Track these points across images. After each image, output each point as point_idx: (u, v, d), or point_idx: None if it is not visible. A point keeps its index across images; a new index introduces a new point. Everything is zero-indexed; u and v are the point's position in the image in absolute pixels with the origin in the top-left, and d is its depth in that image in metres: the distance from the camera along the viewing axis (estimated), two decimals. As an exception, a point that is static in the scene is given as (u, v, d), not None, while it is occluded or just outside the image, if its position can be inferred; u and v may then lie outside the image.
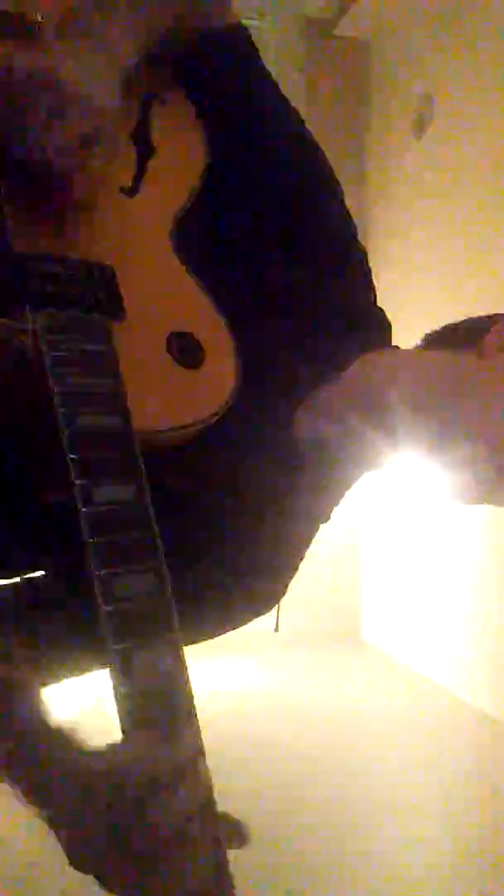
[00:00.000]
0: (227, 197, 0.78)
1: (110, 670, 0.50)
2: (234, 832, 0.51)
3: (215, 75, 0.80)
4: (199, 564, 0.61)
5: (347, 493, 0.83)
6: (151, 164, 0.75)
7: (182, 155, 0.78)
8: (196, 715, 0.51)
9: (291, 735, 2.64)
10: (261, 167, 0.79)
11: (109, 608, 0.51)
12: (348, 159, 3.59)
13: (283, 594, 0.81)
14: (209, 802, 0.50)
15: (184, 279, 0.73)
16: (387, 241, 3.50)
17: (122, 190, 0.74)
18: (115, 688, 0.49)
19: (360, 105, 3.64)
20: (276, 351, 0.76)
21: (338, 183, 0.84)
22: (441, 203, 3.15)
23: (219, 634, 0.77)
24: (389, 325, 0.85)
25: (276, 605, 0.81)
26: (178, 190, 0.76)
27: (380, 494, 3.34)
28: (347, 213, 0.85)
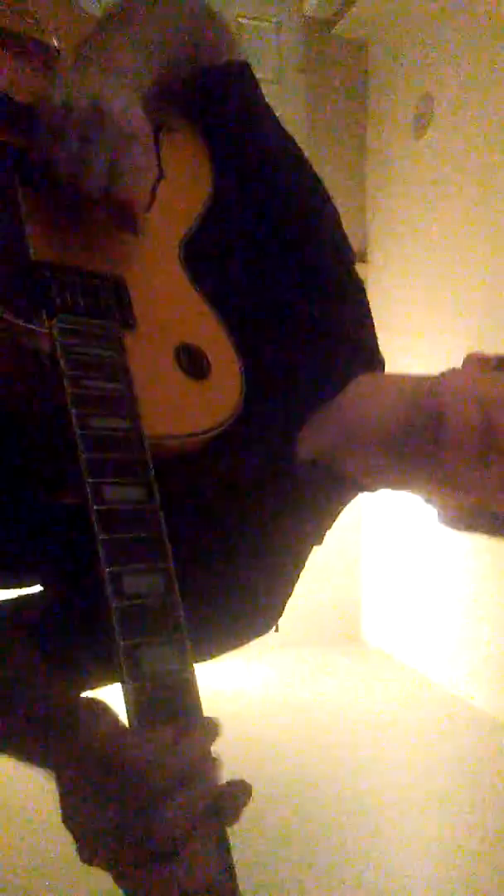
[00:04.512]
0: (230, 223, 0.80)
1: (118, 667, 0.50)
2: (239, 790, 0.51)
3: (218, 109, 0.83)
4: (198, 577, 0.61)
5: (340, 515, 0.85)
6: (161, 187, 0.77)
7: (189, 180, 0.82)
8: (203, 712, 0.51)
9: (291, 735, 2.64)
10: (262, 196, 0.82)
11: (118, 604, 0.52)
12: (348, 159, 3.59)
13: (280, 615, 0.82)
14: (217, 795, 0.50)
15: (192, 295, 0.75)
16: (386, 241, 3.50)
17: None
18: (123, 684, 0.50)
19: (360, 105, 3.63)
20: (277, 372, 0.78)
21: (336, 212, 0.87)
22: (441, 203, 3.15)
23: (220, 654, 0.77)
24: (384, 363, 0.88)
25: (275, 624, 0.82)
26: (187, 213, 0.80)
27: (380, 495, 3.34)
28: (346, 241, 0.87)
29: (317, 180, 0.87)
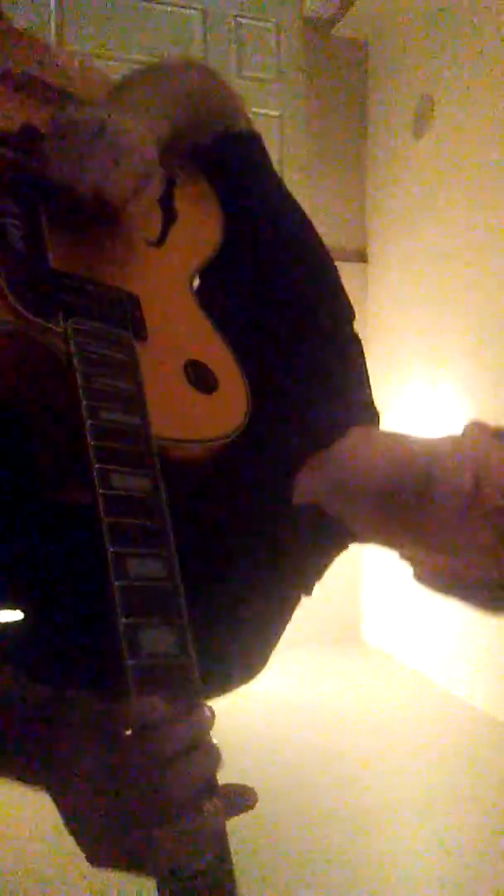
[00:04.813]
0: (236, 274, 0.86)
1: (120, 646, 0.50)
2: (242, 795, 0.51)
3: (229, 172, 0.92)
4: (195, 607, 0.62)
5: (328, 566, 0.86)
6: (174, 228, 0.84)
7: (201, 226, 0.88)
8: (203, 695, 0.52)
9: (291, 735, 2.64)
10: (266, 254, 0.88)
11: (120, 583, 0.53)
12: (348, 159, 3.59)
13: (263, 665, 0.82)
14: (215, 786, 0.50)
15: (201, 320, 0.79)
16: (386, 241, 3.50)
17: (149, 243, 0.83)
18: (123, 662, 0.50)
19: (360, 105, 3.63)
20: (275, 415, 0.79)
21: (336, 271, 0.92)
22: (441, 203, 3.15)
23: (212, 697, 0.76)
24: (378, 416, 0.90)
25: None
26: (197, 252, 0.85)
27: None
28: (346, 299, 0.92)
29: (319, 241, 0.92)
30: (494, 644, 2.82)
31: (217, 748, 0.50)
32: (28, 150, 0.77)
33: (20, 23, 3.19)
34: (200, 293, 0.82)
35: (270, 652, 0.83)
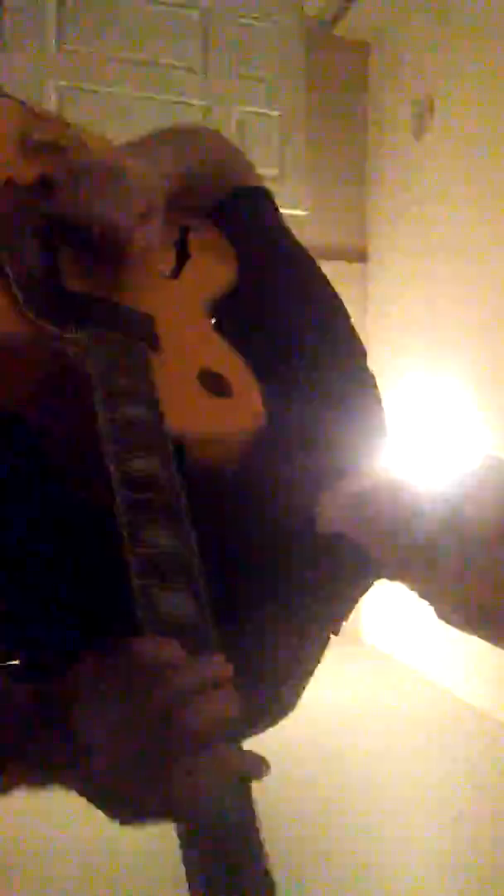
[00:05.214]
0: (248, 314, 0.90)
1: (136, 608, 0.51)
2: (255, 763, 0.51)
3: (242, 223, 0.97)
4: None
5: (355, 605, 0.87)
6: (188, 266, 0.89)
7: (214, 264, 0.92)
8: (220, 654, 0.52)
9: (291, 735, 2.63)
10: (276, 302, 0.92)
11: (135, 551, 0.54)
12: (348, 159, 3.59)
13: (294, 703, 0.83)
14: (238, 730, 0.51)
15: (216, 338, 0.82)
16: (386, 241, 3.50)
17: (162, 275, 0.87)
18: (140, 621, 0.51)
19: (360, 105, 3.63)
20: (293, 441, 0.81)
21: (347, 314, 0.96)
22: (441, 203, 3.15)
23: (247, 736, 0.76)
24: (391, 447, 0.93)
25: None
26: (212, 285, 0.89)
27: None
28: (358, 339, 0.96)
29: (328, 285, 0.96)
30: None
31: (236, 695, 0.50)
32: (44, 195, 0.82)
33: (20, 23, 3.20)
34: (216, 325, 0.86)
35: (301, 689, 0.84)
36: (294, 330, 0.90)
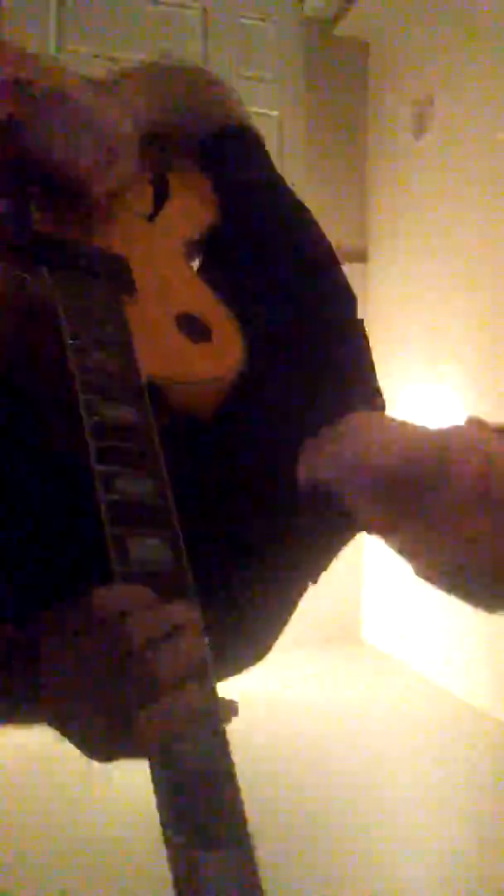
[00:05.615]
0: (231, 253, 0.87)
1: (109, 556, 0.51)
2: (225, 707, 0.51)
3: (227, 164, 0.92)
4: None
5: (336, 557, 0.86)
6: (168, 205, 0.85)
7: (195, 204, 0.89)
8: (197, 600, 0.52)
9: (291, 735, 2.64)
10: (264, 237, 0.88)
11: (108, 498, 0.53)
12: (348, 159, 3.59)
13: (270, 647, 0.82)
14: (206, 674, 0.50)
15: (194, 279, 0.79)
16: (386, 241, 3.50)
17: (140, 217, 0.84)
18: (111, 570, 0.51)
19: (360, 105, 3.63)
20: (274, 391, 0.79)
21: (338, 262, 0.92)
22: (441, 203, 3.15)
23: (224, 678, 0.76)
24: (384, 405, 0.89)
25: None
26: (192, 226, 0.86)
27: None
28: (347, 286, 0.91)
29: (317, 229, 0.92)
30: (494, 644, 2.82)
31: (203, 640, 0.50)
32: (8, 135, 0.79)
33: (20, 23, 3.19)
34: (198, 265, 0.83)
35: (278, 635, 0.83)
36: (279, 274, 0.87)
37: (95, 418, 0.57)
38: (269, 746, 2.48)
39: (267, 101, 3.35)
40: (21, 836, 1.93)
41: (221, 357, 0.72)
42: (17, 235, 0.72)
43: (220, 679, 0.78)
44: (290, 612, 0.84)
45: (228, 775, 0.48)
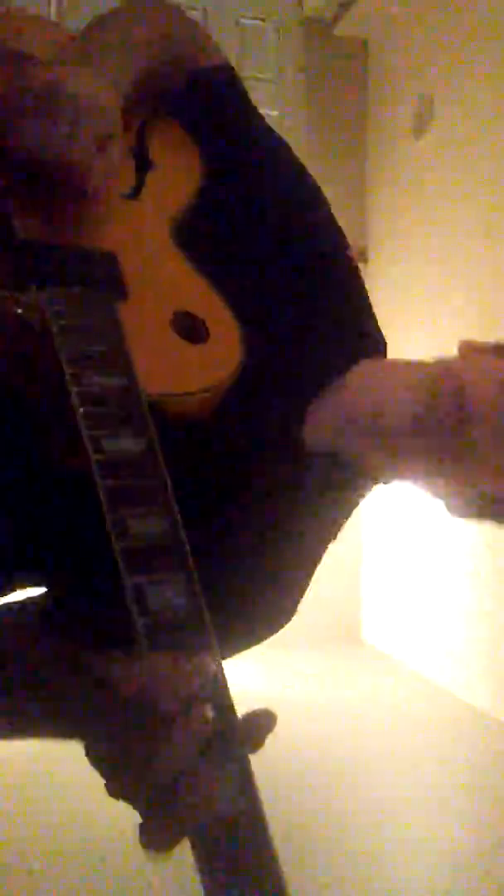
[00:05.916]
0: (220, 214, 0.82)
1: (128, 605, 0.50)
2: (264, 717, 0.51)
3: (203, 110, 0.86)
4: (203, 567, 0.62)
5: (354, 512, 0.84)
6: (150, 176, 0.80)
7: (179, 171, 0.83)
8: (216, 648, 0.51)
9: (291, 735, 2.63)
10: (251, 190, 0.83)
11: (122, 545, 0.52)
12: (348, 159, 3.59)
13: (293, 612, 0.81)
14: (231, 722, 0.50)
15: (185, 269, 0.76)
16: (386, 241, 3.50)
17: (123, 196, 0.79)
18: (133, 620, 0.50)
19: (360, 105, 3.63)
20: (275, 358, 0.77)
21: (325, 201, 0.88)
22: (441, 203, 3.15)
23: (230, 654, 0.75)
24: (386, 346, 0.86)
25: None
26: (177, 199, 0.81)
27: (380, 493, 3.34)
28: (337, 228, 0.87)
29: (306, 173, 0.87)
30: (494, 644, 2.82)
31: (226, 695, 0.50)
32: None
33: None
34: (185, 238, 0.78)
35: (296, 604, 0.82)
36: (268, 223, 0.82)
37: (100, 456, 0.56)
38: (268, 746, 2.48)
39: (267, 101, 3.34)
40: (21, 836, 1.93)
41: (220, 359, 0.70)
42: (2, 248, 0.68)
43: (246, 647, 0.78)
44: (308, 576, 0.83)
45: (263, 828, 0.49)
